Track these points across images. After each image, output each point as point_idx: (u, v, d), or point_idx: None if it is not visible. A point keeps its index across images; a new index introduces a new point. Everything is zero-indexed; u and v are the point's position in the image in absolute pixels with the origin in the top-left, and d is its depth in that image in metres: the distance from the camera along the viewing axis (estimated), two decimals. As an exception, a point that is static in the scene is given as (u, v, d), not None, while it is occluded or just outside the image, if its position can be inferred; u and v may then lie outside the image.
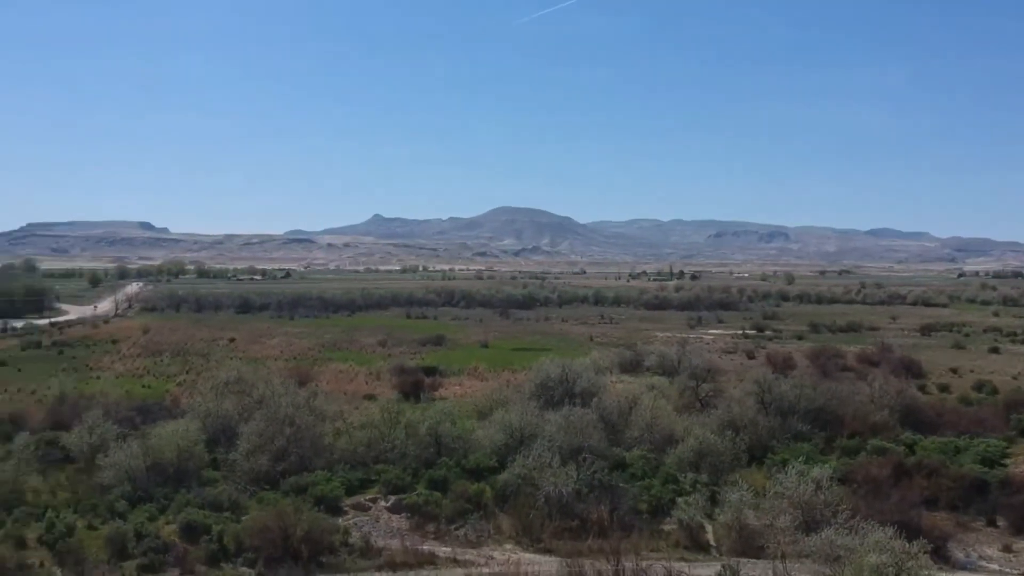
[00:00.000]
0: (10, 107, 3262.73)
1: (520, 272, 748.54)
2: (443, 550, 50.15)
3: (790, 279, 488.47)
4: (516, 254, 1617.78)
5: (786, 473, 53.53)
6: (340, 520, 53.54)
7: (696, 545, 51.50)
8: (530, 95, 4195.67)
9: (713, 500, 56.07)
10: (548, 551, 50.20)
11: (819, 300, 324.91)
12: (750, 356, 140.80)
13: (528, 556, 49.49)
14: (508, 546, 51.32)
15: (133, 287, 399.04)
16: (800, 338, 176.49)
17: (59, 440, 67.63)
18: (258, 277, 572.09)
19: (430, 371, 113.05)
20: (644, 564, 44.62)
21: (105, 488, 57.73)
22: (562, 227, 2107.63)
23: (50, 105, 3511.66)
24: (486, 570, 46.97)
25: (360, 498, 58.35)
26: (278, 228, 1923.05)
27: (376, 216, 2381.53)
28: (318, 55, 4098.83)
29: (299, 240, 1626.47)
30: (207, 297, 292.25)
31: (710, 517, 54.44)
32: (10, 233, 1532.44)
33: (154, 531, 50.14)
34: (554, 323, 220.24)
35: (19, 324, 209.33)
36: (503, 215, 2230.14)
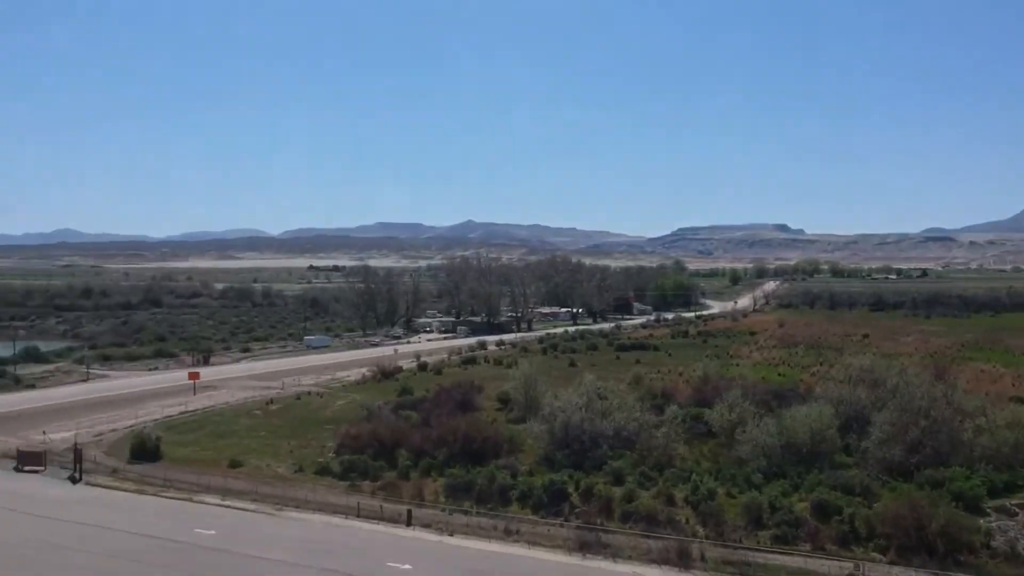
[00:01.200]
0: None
1: None
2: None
3: None
4: None
5: None
6: (981, 521, 49.86)
7: None
8: None
9: None
10: None
11: None
12: None
13: None
14: None
15: (770, 285, 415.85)
16: None
17: (703, 415, 74.10)
18: (892, 276, 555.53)
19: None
20: None
21: (742, 461, 61.83)
22: None
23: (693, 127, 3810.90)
24: None
25: (1005, 501, 53.67)
26: (914, 227, 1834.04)
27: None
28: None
29: (937, 239, 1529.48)
30: (841, 295, 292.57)
31: None
32: (663, 238, 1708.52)
33: (787, 505, 52.22)
34: None
35: (670, 316, 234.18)
36: None
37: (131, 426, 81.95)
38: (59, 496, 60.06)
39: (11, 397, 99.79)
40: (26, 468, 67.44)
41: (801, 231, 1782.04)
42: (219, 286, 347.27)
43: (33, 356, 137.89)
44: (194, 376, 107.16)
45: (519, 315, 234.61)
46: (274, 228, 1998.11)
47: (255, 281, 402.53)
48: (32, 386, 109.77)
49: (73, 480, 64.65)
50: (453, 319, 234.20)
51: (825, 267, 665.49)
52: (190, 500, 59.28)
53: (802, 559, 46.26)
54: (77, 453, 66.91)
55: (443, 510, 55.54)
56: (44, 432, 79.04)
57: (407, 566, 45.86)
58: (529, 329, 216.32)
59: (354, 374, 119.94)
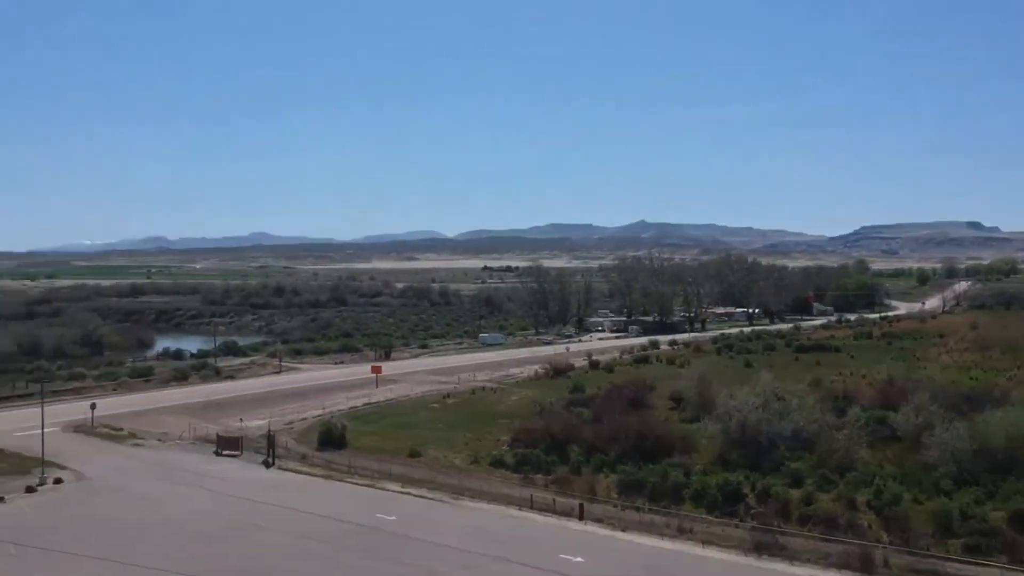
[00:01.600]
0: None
1: None
2: None
3: None
4: None
5: None
6: None
7: None
8: None
9: None
10: None
11: None
12: None
13: None
14: None
15: (961, 285, 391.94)
16: None
17: (887, 418, 70.75)
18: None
19: None
20: None
21: (930, 466, 58.62)
22: None
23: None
24: None
25: None
26: None
27: None
28: None
29: None
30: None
31: None
32: (845, 236, 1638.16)
33: (981, 514, 49.30)
34: None
35: (851, 316, 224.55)
36: None
37: (319, 415, 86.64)
38: (254, 479, 64.34)
39: (212, 387, 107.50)
40: (224, 452, 72.54)
41: (996, 228, 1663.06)
42: (399, 286, 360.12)
43: (231, 350, 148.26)
44: (377, 370, 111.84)
45: (692, 315, 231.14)
46: (450, 230, 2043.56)
47: (433, 281, 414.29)
48: (231, 377, 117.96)
49: (266, 465, 69.03)
50: (624, 318, 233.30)
51: (1023, 266, 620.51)
52: (373, 486, 62.19)
53: (998, 571, 43.66)
54: (270, 439, 71.43)
55: (615, 506, 55.78)
56: (241, 419, 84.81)
57: (579, 559, 46.40)
58: (703, 329, 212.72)
59: (527, 371, 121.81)
